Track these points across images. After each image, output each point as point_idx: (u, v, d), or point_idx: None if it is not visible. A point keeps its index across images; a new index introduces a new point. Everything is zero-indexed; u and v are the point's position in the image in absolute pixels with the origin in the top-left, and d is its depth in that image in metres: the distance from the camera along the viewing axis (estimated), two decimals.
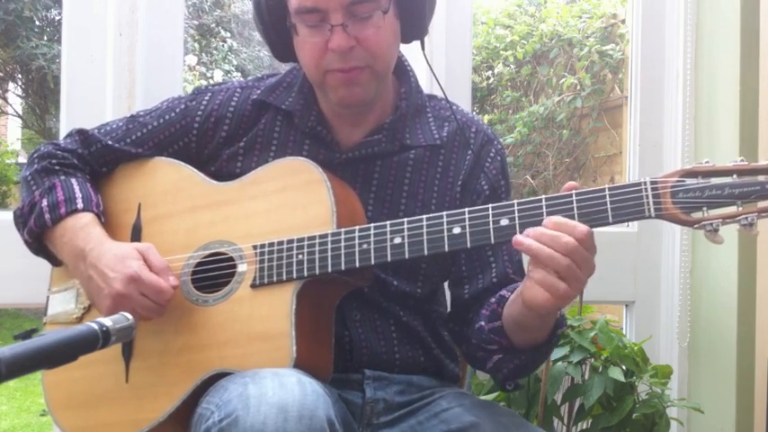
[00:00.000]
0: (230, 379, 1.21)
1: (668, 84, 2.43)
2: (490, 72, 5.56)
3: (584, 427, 2.02)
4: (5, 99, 7.96)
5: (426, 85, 1.57)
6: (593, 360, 1.94)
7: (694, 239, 2.40)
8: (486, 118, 5.56)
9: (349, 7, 1.34)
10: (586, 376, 1.95)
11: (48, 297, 1.53)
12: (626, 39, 4.45)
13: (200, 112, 1.51)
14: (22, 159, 7.64)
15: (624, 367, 1.93)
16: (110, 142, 1.53)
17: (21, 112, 8.22)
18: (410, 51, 1.52)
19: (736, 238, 2.29)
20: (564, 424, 2.02)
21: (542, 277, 1.18)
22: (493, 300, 1.38)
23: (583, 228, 1.18)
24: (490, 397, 1.93)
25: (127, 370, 1.41)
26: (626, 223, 2.46)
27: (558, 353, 1.91)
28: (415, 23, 1.44)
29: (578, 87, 4.97)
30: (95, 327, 0.94)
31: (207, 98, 1.52)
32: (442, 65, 2.19)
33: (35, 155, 1.55)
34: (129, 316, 0.99)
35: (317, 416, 1.11)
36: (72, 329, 0.93)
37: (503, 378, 1.40)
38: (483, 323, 1.37)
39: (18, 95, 7.99)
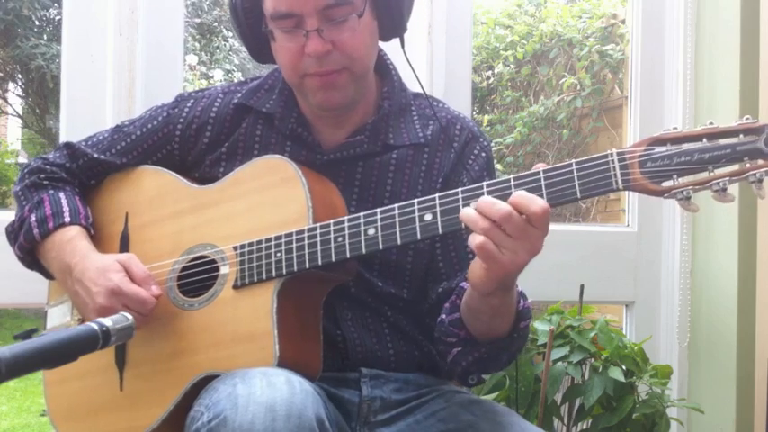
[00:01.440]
0: (220, 380, 1.22)
1: (668, 84, 2.43)
2: (490, 72, 5.55)
3: (584, 427, 2.02)
4: (5, 99, 7.95)
5: (414, 85, 1.56)
6: (593, 360, 1.94)
7: (694, 239, 2.40)
8: (486, 118, 5.55)
9: (323, 11, 1.33)
10: (586, 376, 1.94)
11: (46, 311, 1.55)
12: (626, 39, 4.44)
13: (181, 120, 1.52)
14: (22, 159, 7.63)
15: (624, 367, 1.92)
16: (95, 155, 1.55)
17: (21, 113, 8.21)
18: (398, 48, 1.50)
19: (737, 238, 2.29)
20: (564, 424, 2.02)
21: (471, 240, 1.16)
22: (454, 293, 1.38)
23: (540, 203, 1.14)
24: (490, 397, 1.93)
25: (121, 379, 1.42)
26: (626, 223, 2.47)
27: (558, 353, 1.91)
28: (393, 22, 1.43)
29: (578, 87, 4.97)
30: (95, 327, 0.94)
31: (189, 105, 1.53)
32: (441, 65, 2.19)
33: (26, 170, 1.56)
34: (129, 316, 1.00)
35: (305, 414, 1.11)
36: (72, 329, 0.93)
37: (462, 371, 1.39)
38: (444, 315, 1.37)
39: (18, 95, 7.99)
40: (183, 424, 1.26)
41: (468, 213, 1.17)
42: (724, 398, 2.31)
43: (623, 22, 4.72)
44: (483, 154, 1.50)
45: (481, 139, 1.52)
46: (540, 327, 1.92)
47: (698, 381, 2.40)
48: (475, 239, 1.16)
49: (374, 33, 1.42)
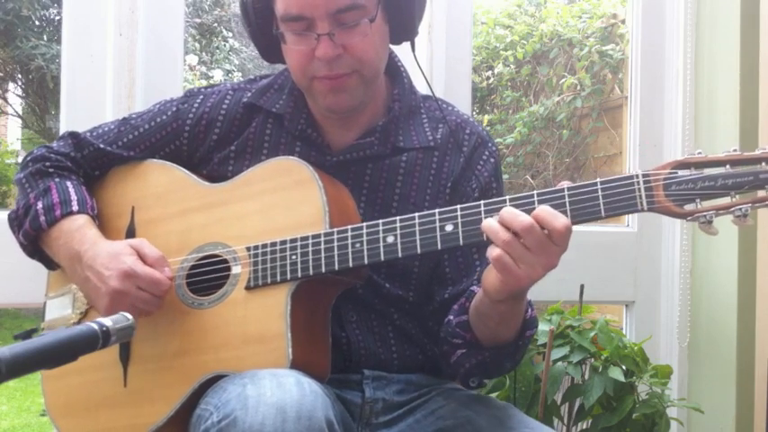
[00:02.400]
0: (229, 380, 1.22)
1: (668, 83, 2.43)
2: (490, 72, 5.55)
3: (584, 427, 2.02)
4: (5, 99, 7.95)
5: (421, 86, 1.57)
6: (593, 360, 1.94)
7: (694, 239, 2.40)
8: (486, 118, 5.55)
9: (335, 15, 1.33)
10: (586, 376, 1.94)
11: (45, 303, 1.54)
12: (626, 39, 4.44)
13: (191, 115, 1.51)
14: None
15: (624, 367, 1.93)
16: (102, 146, 1.54)
17: (21, 113, 8.21)
18: (406, 50, 1.50)
19: (737, 237, 2.29)
20: (564, 424, 2.02)
21: (489, 252, 1.18)
22: (464, 296, 1.39)
23: (562, 220, 1.16)
24: None
25: (125, 375, 1.41)
26: (626, 223, 2.47)
27: (558, 353, 1.91)
28: (404, 25, 1.43)
29: (578, 87, 4.97)
30: (95, 327, 0.94)
31: (198, 101, 1.52)
32: (442, 65, 2.18)
33: (29, 158, 1.55)
34: (129, 316, 0.99)
35: (315, 416, 1.11)
36: (72, 329, 0.92)
37: (464, 373, 1.40)
38: (452, 317, 1.38)
39: (18, 95, 7.99)
40: (187, 422, 1.27)
41: (489, 224, 1.18)
42: (724, 398, 2.31)
43: (623, 22, 4.72)
44: (492, 159, 1.50)
45: (489, 144, 1.52)
46: (540, 327, 1.92)
47: (698, 381, 2.40)
48: (492, 251, 1.17)
49: (385, 38, 1.42)
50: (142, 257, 1.36)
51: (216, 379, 1.27)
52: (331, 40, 1.33)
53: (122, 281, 1.33)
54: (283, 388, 1.14)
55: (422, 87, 1.57)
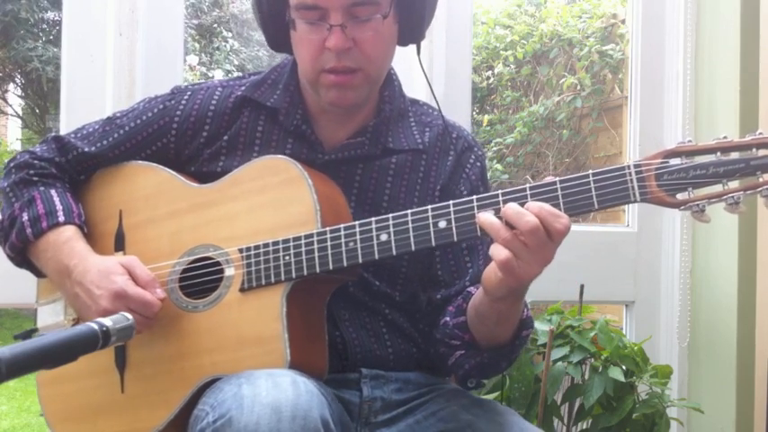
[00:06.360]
0: (225, 380, 1.21)
1: (668, 84, 2.43)
2: (490, 72, 5.55)
3: (584, 427, 2.02)
4: (5, 99, 7.95)
5: (421, 88, 1.57)
6: (593, 360, 1.94)
7: (694, 239, 2.40)
8: (486, 118, 5.55)
9: (350, 8, 1.33)
10: (586, 376, 1.94)
11: (36, 309, 1.52)
12: (626, 39, 4.43)
13: (179, 112, 1.48)
14: None
15: (624, 367, 1.92)
16: (86, 148, 1.51)
17: (20, 113, 8.21)
18: (405, 52, 1.50)
19: (737, 238, 2.29)
20: (564, 424, 2.02)
21: (494, 251, 1.17)
22: (460, 297, 1.38)
23: (564, 222, 1.16)
24: (490, 397, 1.92)
25: (122, 380, 1.40)
26: (626, 223, 2.47)
27: (558, 353, 1.91)
28: (413, 28, 1.43)
29: (578, 87, 4.96)
30: (95, 327, 0.94)
31: (186, 97, 1.50)
32: (442, 65, 2.19)
33: (12, 164, 1.52)
34: (129, 316, 0.99)
35: (310, 416, 1.11)
36: (72, 329, 0.92)
37: (463, 374, 1.39)
38: (448, 318, 1.38)
39: (17, 95, 7.99)
40: (186, 426, 1.26)
41: (490, 220, 1.18)
42: (724, 398, 2.31)
43: (623, 22, 4.71)
44: (478, 164, 1.51)
45: (476, 149, 1.53)
46: (540, 327, 1.92)
47: (698, 381, 2.40)
48: (499, 255, 1.16)
49: (394, 38, 1.43)
50: (134, 278, 1.34)
51: (214, 382, 1.27)
52: (343, 32, 1.33)
53: (113, 301, 1.31)
54: (279, 387, 1.13)
55: (423, 89, 1.57)
